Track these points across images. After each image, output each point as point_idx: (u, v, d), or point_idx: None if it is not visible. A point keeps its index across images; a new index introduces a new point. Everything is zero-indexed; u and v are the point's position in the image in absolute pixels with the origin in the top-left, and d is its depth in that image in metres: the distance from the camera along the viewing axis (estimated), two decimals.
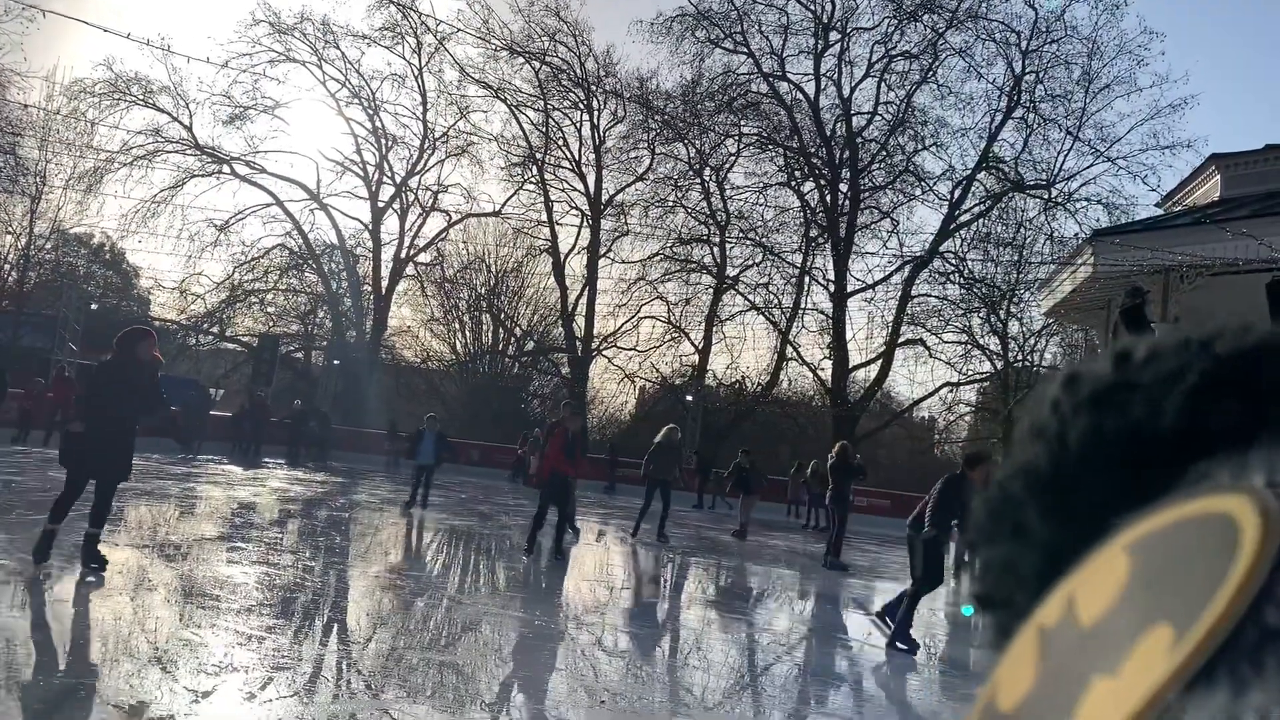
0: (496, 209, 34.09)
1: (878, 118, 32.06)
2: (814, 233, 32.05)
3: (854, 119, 31.93)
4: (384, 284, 33.45)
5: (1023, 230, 29.51)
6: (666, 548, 12.84)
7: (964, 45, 30.62)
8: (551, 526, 10.36)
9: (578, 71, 33.33)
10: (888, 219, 32.00)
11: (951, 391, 31.22)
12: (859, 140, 31.82)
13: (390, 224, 33.97)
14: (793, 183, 32.85)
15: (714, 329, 32.46)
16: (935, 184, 31.39)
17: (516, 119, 33.69)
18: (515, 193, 34.06)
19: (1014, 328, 29.35)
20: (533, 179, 33.78)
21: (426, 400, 31.40)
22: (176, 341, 32.48)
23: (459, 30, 31.30)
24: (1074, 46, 29.34)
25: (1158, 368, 0.27)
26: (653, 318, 33.67)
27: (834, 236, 31.31)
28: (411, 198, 33.90)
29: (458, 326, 35.73)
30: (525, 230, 34.43)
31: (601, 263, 33.23)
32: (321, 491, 15.57)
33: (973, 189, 30.94)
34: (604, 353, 34.07)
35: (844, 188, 31.86)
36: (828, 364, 31.37)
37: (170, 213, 31.68)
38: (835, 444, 13.40)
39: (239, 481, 15.46)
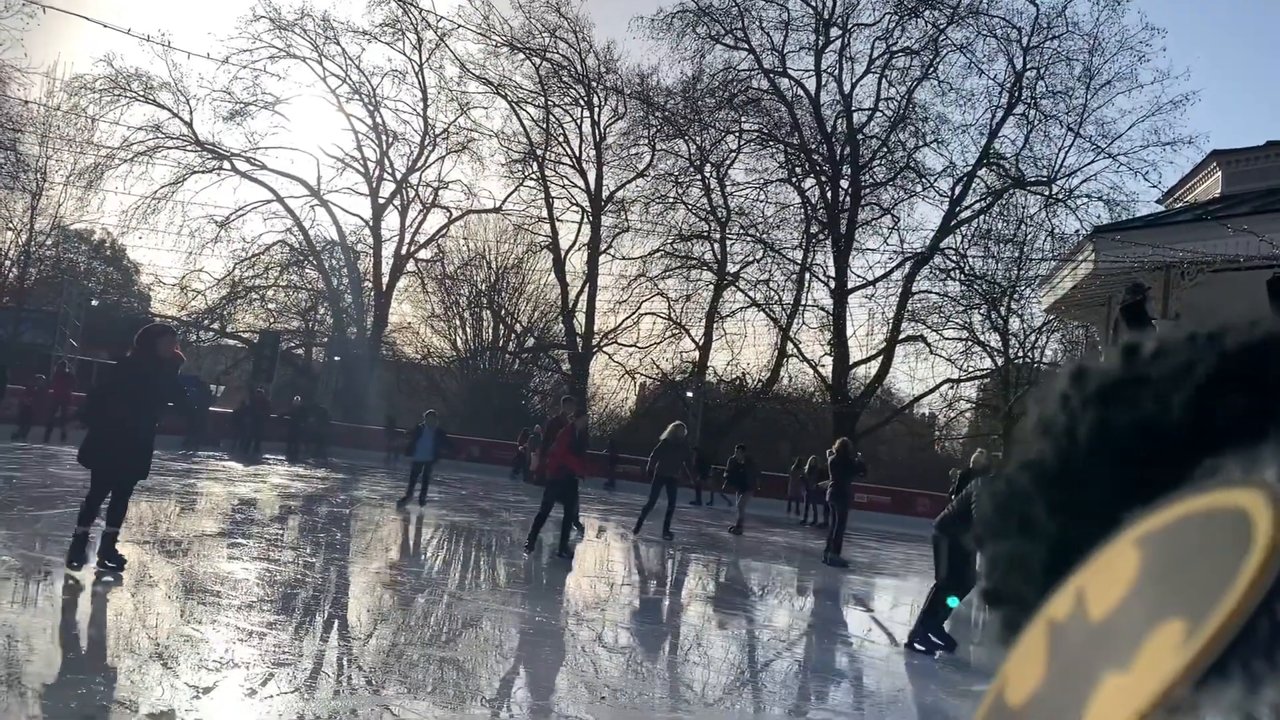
0: (497, 205, 34.10)
1: (878, 114, 32.06)
2: (814, 229, 32.02)
3: (855, 115, 31.89)
4: (384, 280, 33.41)
5: (1023, 227, 29.48)
6: (670, 544, 12.84)
7: (965, 41, 30.58)
8: (555, 524, 10.13)
9: (578, 68, 33.30)
10: (888, 215, 32.00)
11: (952, 388, 31.22)
12: (860, 136, 31.78)
13: (391, 220, 33.96)
14: (793, 179, 32.82)
15: (714, 325, 32.45)
16: (936, 180, 31.37)
17: (517, 115, 33.70)
18: (516, 189, 34.09)
19: (1015, 324, 29.33)
20: (533, 175, 33.76)
21: (427, 396, 31.36)
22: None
23: (459, 26, 31.32)
24: (1075, 42, 29.30)
25: (1166, 362, 0.27)
26: (653, 314, 33.68)
27: (834, 233, 31.27)
28: (412, 194, 33.88)
29: (458, 323, 35.75)
30: (526, 226, 34.45)
31: (602, 259, 33.20)
32: (321, 488, 15.58)
33: (973, 185, 30.92)
34: (604, 349, 34.07)
35: (845, 184, 31.81)
36: (828, 360, 31.36)
37: (171, 209, 31.73)
38: (836, 440, 13.41)
39: (239, 478, 15.46)
